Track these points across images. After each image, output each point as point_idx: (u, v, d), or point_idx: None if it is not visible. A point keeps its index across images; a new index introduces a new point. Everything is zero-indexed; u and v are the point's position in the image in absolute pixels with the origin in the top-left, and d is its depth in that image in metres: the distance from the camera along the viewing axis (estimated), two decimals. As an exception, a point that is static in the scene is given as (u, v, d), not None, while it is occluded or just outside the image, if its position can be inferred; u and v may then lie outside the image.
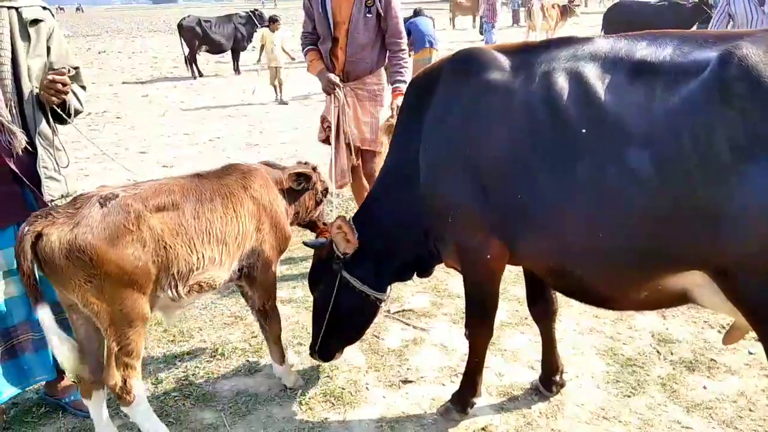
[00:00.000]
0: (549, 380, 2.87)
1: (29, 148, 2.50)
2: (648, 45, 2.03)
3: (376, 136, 4.11)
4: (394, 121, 3.46)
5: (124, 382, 2.33)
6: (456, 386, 2.80)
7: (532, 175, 2.13)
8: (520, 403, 2.84)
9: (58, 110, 2.56)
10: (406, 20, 7.87)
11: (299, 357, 3.24)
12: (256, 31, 15.71)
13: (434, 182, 2.43)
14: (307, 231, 3.34)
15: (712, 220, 1.81)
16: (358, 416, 2.79)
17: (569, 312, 3.58)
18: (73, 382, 2.69)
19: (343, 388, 2.97)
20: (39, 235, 2.16)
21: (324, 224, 3.18)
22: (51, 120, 2.57)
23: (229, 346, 3.36)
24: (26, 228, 2.17)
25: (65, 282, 2.21)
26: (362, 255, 2.70)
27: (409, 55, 8.24)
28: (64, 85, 2.46)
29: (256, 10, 16.82)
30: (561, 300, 2.86)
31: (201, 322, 3.64)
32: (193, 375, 3.11)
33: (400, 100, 3.33)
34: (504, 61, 2.29)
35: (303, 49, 4.21)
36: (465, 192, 2.31)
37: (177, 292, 2.45)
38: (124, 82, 14.93)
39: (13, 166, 2.45)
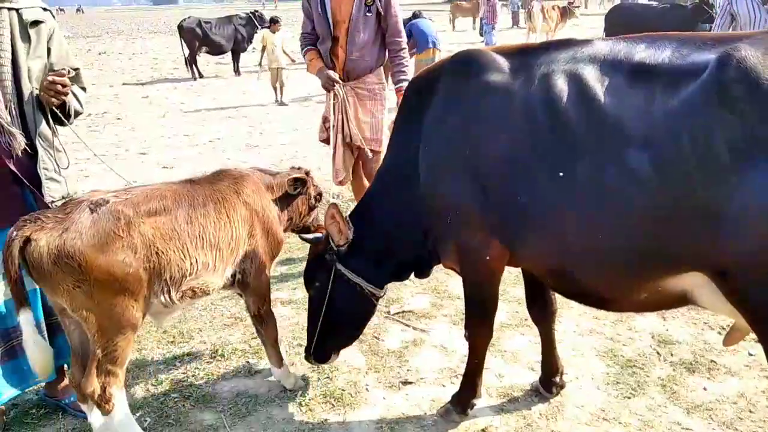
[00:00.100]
0: (549, 381, 2.87)
1: (29, 149, 2.50)
2: (647, 47, 2.04)
3: (376, 135, 4.11)
4: None
5: (104, 389, 2.30)
6: (456, 387, 2.80)
7: (532, 176, 2.14)
8: (520, 405, 2.84)
9: (58, 112, 2.56)
10: (405, 22, 7.88)
11: (299, 358, 3.24)
12: (256, 33, 15.72)
13: (434, 182, 2.43)
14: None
15: (711, 221, 1.81)
16: (358, 417, 2.79)
17: (569, 313, 3.58)
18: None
19: (343, 390, 2.97)
20: (27, 240, 2.15)
21: (320, 225, 3.18)
22: (51, 121, 2.57)
23: (229, 347, 3.36)
24: (14, 233, 2.16)
25: (53, 287, 2.21)
26: (357, 249, 2.69)
27: (411, 56, 8.27)
28: (64, 86, 2.46)
29: (257, 11, 16.83)
30: (561, 301, 2.87)
31: (201, 324, 3.64)
32: (193, 376, 3.11)
33: None
34: (503, 62, 2.29)
35: (302, 50, 4.22)
36: (465, 192, 2.31)
37: (170, 297, 2.43)
38: (124, 84, 14.94)
39: (13, 168, 2.46)
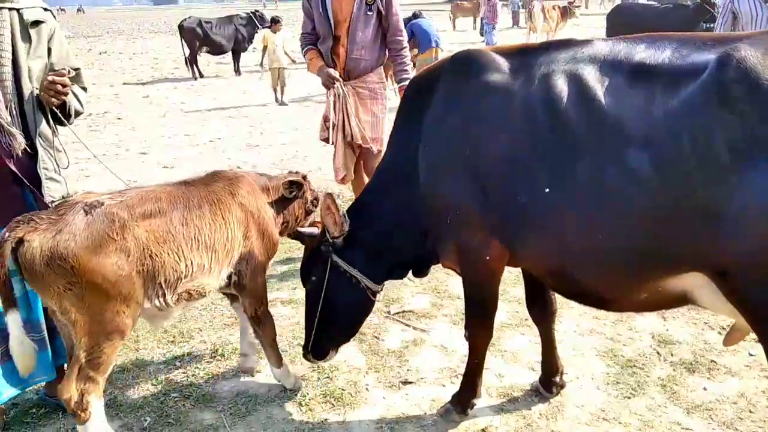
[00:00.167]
0: (549, 381, 2.87)
1: (29, 149, 2.50)
2: (647, 47, 2.04)
3: (377, 134, 4.12)
4: None
5: (81, 396, 2.25)
6: (456, 387, 2.80)
7: (532, 176, 2.14)
8: (520, 405, 2.83)
9: (58, 112, 2.56)
10: (405, 22, 7.88)
11: (299, 357, 3.24)
12: (256, 32, 15.72)
13: (434, 182, 2.43)
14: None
15: (711, 221, 1.81)
16: (358, 417, 2.79)
17: (569, 313, 3.58)
18: None
19: (343, 389, 2.97)
20: (20, 241, 2.13)
21: (316, 221, 3.17)
22: (51, 121, 2.57)
23: (229, 346, 3.36)
24: (6, 234, 2.14)
25: (45, 289, 2.18)
26: (354, 242, 2.68)
27: (415, 57, 8.27)
28: (64, 86, 2.46)
29: (257, 11, 16.84)
30: (561, 301, 2.87)
31: (201, 323, 3.64)
32: (193, 376, 3.11)
33: None
34: (503, 62, 2.29)
35: (302, 49, 4.23)
36: (465, 192, 2.31)
37: (164, 301, 2.41)
38: (124, 83, 14.95)
39: (13, 168, 2.46)
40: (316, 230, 2.86)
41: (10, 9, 2.44)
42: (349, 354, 3.27)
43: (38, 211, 2.36)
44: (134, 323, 2.37)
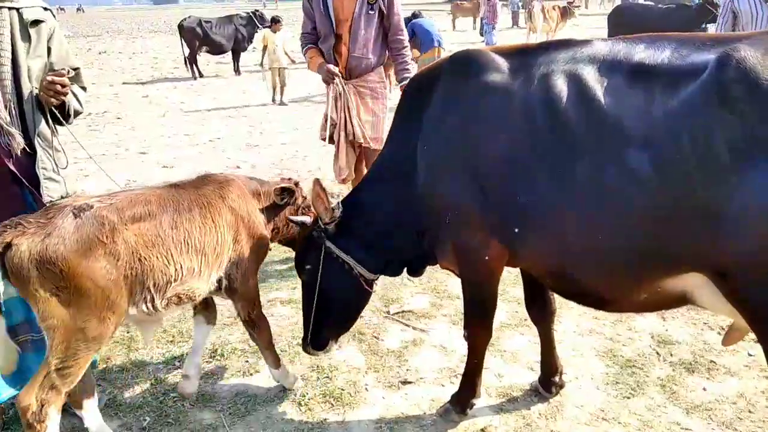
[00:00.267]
0: (548, 381, 2.87)
1: (28, 149, 2.50)
2: (646, 47, 2.04)
3: (378, 134, 4.12)
4: None
5: (41, 407, 2.15)
6: (455, 387, 2.80)
7: (532, 176, 2.14)
8: (519, 404, 2.84)
9: (56, 112, 2.56)
10: (405, 21, 7.88)
11: (299, 357, 3.24)
12: (256, 32, 15.72)
13: (433, 182, 2.43)
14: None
15: (711, 221, 1.81)
16: (358, 417, 2.79)
17: (569, 313, 3.58)
18: None
19: (343, 389, 2.97)
20: (8, 245, 2.09)
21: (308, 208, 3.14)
22: (50, 121, 2.57)
23: (228, 346, 3.35)
24: None
25: (31, 293, 2.13)
26: (347, 231, 2.68)
27: (416, 57, 8.27)
28: (64, 86, 2.45)
29: (257, 10, 16.84)
30: (560, 301, 2.87)
31: (200, 323, 3.63)
32: (192, 375, 3.11)
33: None
34: (503, 62, 2.29)
35: (302, 48, 4.23)
36: (464, 192, 2.31)
37: (153, 305, 2.37)
38: (124, 83, 14.95)
39: (12, 167, 2.45)
40: (308, 219, 2.85)
41: (9, 8, 2.43)
42: (348, 354, 3.27)
43: (28, 213, 2.33)
44: (115, 331, 2.32)
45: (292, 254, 4.52)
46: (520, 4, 26.23)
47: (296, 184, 2.99)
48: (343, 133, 4.06)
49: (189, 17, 15.58)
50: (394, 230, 2.66)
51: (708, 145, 1.80)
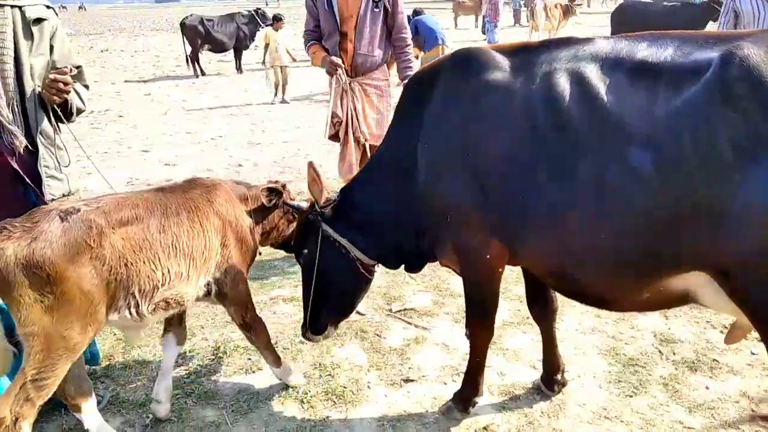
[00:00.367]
0: (551, 379, 2.87)
1: (30, 147, 2.50)
2: (649, 46, 2.03)
3: (382, 131, 4.13)
4: None
5: (15, 420, 2.07)
6: (458, 385, 2.80)
7: (533, 175, 2.13)
8: (521, 403, 2.83)
9: (58, 110, 2.56)
10: (408, 19, 7.88)
11: (301, 355, 3.25)
12: (258, 30, 15.71)
13: (433, 181, 2.42)
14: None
15: (714, 219, 1.80)
16: (360, 415, 2.79)
17: (571, 312, 3.57)
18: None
19: (345, 387, 2.97)
20: None
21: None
22: (53, 119, 2.57)
23: (231, 344, 3.36)
24: None
25: (14, 299, 2.07)
26: (344, 217, 2.70)
27: (418, 55, 8.26)
28: (66, 84, 2.45)
29: (259, 9, 16.82)
30: (562, 300, 2.86)
31: (203, 321, 3.64)
32: (194, 373, 3.12)
33: None
34: (504, 60, 2.28)
35: (305, 45, 4.24)
36: (464, 191, 2.30)
37: (137, 312, 2.33)
38: (126, 81, 14.96)
39: (15, 165, 2.46)
40: (304, 203, 2.86)
41: (12, 6, 2.44)
42: (350, 352, 3.28)
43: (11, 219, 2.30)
44: (92, 339, 2.26)
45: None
46: (522, 2, 26.17)
47: (283, 186, 2.97)
48: (350, 130, 4.08)
49: (191, 15, 15.59)
50: (391, 223, 2.66)
51: (711, 144, 1.79)
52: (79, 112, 2.70)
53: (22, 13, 2.45)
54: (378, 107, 4.15)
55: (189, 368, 3.16)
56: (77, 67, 2.64)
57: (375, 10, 3.96)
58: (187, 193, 2.60)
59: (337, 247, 2.70)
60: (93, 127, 9.62)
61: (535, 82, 2.15)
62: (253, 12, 16.26)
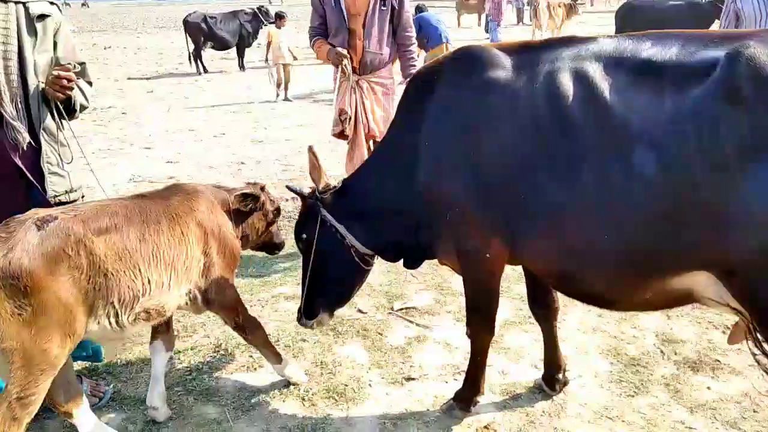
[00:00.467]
0: (552, 379, 2.86)
1: (33, 143, 2.50)
2: (653, 45, 2.02)
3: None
4: None
5: None
6: (459, 384, 2.80)
7: (534, 175, 2.12)
8: (523, 402, 2.83)
9: (61, 107, 2.56)
10: (411, 17, 7.85)
11: (303, 353, 3.25)
12: (261, 28, 15.70)
13: (434, 180, 2.42)
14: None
15: (719, 219, 1.80)
16: (361, 413, 2.79)
17: (573, 311, 3.57)
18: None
19: (346, 385, 2.97)
20: None
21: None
22: (56, 116, 2.57)
23: (232, 341, 3.36)
24: None
25: None
26: (344, 204, 2.73)
27: (419, 53, 8.25)
28: (70, 80, 2.45)
29: (262, 6, 16.80)
30: (564, 299, 2.85)
31: (204, 318, 3.64)
32: (196, 370, 3.12)
33: None
34: (506, 59, 2.28)
35: (311, 41, 4.27)
36: (465, 191, 2.30)
37: (117, 322, 2.27)
38: (129, 78, 14.96)
39: (18, 162, 2.46)
40: (307, 189, 2.88)
41: (16, 2, 2.44)
42: (352, 350, 3.28)
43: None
44: (71, 351, 2.20)
45: (296, 250, 4.56)
46: (525, 0, 26.13)
47: (262, 188, 2.96)
48: (360, 128, 4.10)
49: (193, 13, 15.58)
50: (389, 216, 2.67)
51: (717, 143, 1.79)
52: (83, 108, 2.70)
53: (26, 9, 2.45)
54: (385, 105, 4.19)
55: (190, 365, 3.16)
56: (81, 64, 2.65)
57: (383, 8, 4.00)
58: (168, 200, 2.54)
59: (333, 233, 2.73)
60: (96, 124, 9.63)
61: (538, 81, 2.15)
62: (256, 10, 16.24)
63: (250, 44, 16.34)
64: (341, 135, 4.24)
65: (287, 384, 2.97)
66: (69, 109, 2.61)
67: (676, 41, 2.00)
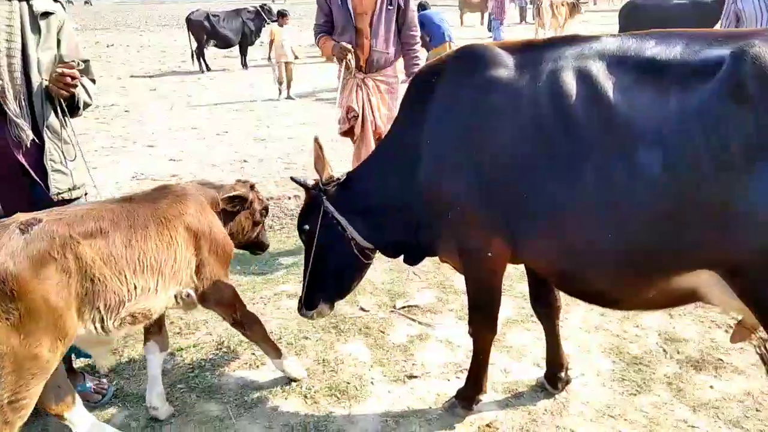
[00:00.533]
0: (554, 377, 2.86)
1: (36, 140, 2.50)
2: (657, 43, 2.02)
3: None
4: None
5: None
6: (461, 382, 2.80)
7: (537, 174, 2.12)
8: (525, 400, 2.83)
9: (64, 105, 2.56)
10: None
11: (305, 350, 3.25)
12: (264, 26, 15.69)
13: (435, 179, 2.41)
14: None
15: (724, 218, 1.79)
16: (363, 410, 2.79)
17: (575, 309, 3.57)
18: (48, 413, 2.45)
19: (348, 383, 2.98)
20: None
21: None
22: (60, 113, 2.57)
23: (234, 338, 3.36)
24: None
25: None
26: (346, 197, 2.75)
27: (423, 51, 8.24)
28: (73, 78, 2.45)
29: (265, 4, 16.79)
30: (567, 298, 2.85)
31: (207, 315, 3.64)
32: (199, 367, 3.13)
33: None
34: (508, 58, 2.27)
35: (315, 39, 4.30)
36: (467, 190, 2.29)
37: (103, 326, 2.24)
38: (132, 76, 14.97)
39: (21, 159, 2.46)
40: (311, 181, 2.90)
41: (20, 0, 2.44)
42: (354, 348, 3.28)
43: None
44: (63, 355, 2.17)
45: (299, 248, 4.56)
46: (528, -1, 26.08)
47: (251, 187, 2.96)
48: (368, 126, 4.12)
49: (197, 11, 15.58)
50: (390, 212, 2.68)
51: (722, 142, 1.78)
52: (86, 106, 2.70)
53: (30, 7, 2.46)
54: (389, 104, 4.21)
55: (193, 363, 3.17)
56: (84, 61, 2.65)
57: (389, 7, 4.03)
58: (156, 203, 2.50)
59: (335, 224, 2.75)
60: (98, 122, 9.64)
61: (540, 80, 2.14)
62: (258, 8, 16.23)
63: (252, 42, 16.34)
64: (349, 133, 4.25)
65: (289, 381, 2.98)
66: (72, 107, 2.62)
67: (680, 40, 1.99)
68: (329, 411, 2.79)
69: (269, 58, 12.52)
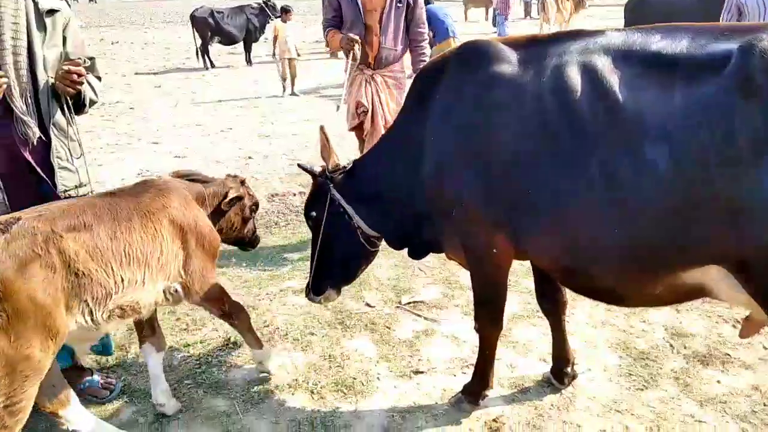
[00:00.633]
0: (561, 372, 2.86)
1: (43, 138, 2.51)
2: (663, 38, 2.00)
3: None
4: None
5: None
6: (467, 377, 2.81)
7: (542, 170, 2.11)
8: (531, 395, 2.83)
9: (70, 102, 2.56)
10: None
11: (311, 347, 3.26)
12: (268, 23, 15.68)
13: (439, 175, 2.41)
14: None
15: (732, 213, 1.78)
16: (370, 406, 2.80)
17: (582, 305, 3.56)
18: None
19: (355, 378, 2.98)
20: None
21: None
22: (66, 111, 2.58)
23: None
24: None
25: None
26: (352, 184, 2.78)
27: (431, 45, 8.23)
28: (80, 75, 2.46)
29: (269, 1, 16.77)
30: (573, 293, 2.85)
31: (213, 312, 3.66)
32: (205, 363, 3.14)
33: None
34: (512, 53, 2.25)
35: (324, 33, 4.33)
36: (471, 186, 2.29)
37: (92, 319, 2.21)
38: (136, 73, 14.98)
39: (28, 157, 2.47)
40: (318, 168, 2.92)
41: (26, -3, 2.44)
42: (360, 343, 3.28)
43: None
44: (56, 353, 2.13)
45: (304, 244, 4.57)
46: (532, -6, 25.96)
47: (242, 182, 2.97)
48: (379, 121, 4.14)
49: (201, 7, 15.55)
50: (394, 204, 2.69)
51: (729, 136, 1.77)
52: (92, 103, 2.71)
53: (36, 5, 2.46)
54: (397, 98, 4.24)
55: (200, 358, 3.18)
56: (90, 59, 2.65)
57: (399, 5, 4.06)
58: (139, 197, 2.48)
59: (341, 212, 2.78)
60: (104, 119, 9.66)
61: (545, 75, 2.12)
62: (262, 4, 16.20)
63: (257, 39, 16.32)
64: (358, 128, 4.27)
65: (296, 377, 2.99)
66: (78, 104, 2.63)
67: (687, 34, 1.97)
68: (336, 406, 2.80)
69: (273, 55, 12.50)
